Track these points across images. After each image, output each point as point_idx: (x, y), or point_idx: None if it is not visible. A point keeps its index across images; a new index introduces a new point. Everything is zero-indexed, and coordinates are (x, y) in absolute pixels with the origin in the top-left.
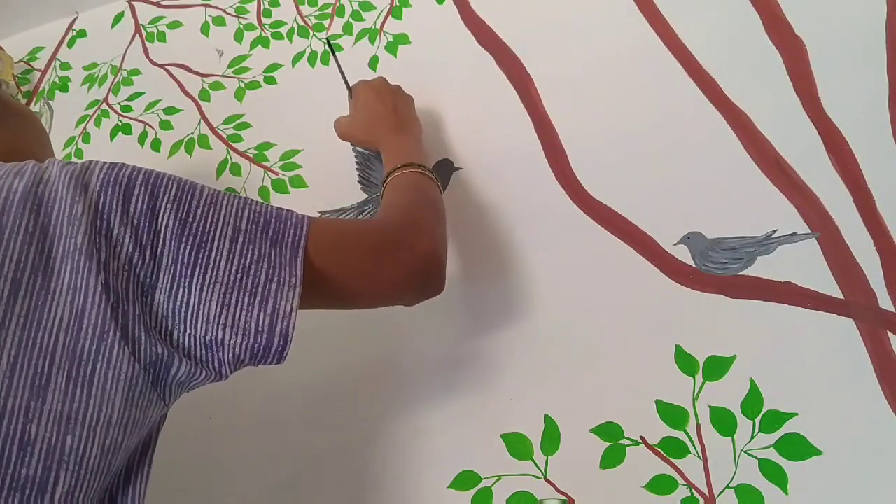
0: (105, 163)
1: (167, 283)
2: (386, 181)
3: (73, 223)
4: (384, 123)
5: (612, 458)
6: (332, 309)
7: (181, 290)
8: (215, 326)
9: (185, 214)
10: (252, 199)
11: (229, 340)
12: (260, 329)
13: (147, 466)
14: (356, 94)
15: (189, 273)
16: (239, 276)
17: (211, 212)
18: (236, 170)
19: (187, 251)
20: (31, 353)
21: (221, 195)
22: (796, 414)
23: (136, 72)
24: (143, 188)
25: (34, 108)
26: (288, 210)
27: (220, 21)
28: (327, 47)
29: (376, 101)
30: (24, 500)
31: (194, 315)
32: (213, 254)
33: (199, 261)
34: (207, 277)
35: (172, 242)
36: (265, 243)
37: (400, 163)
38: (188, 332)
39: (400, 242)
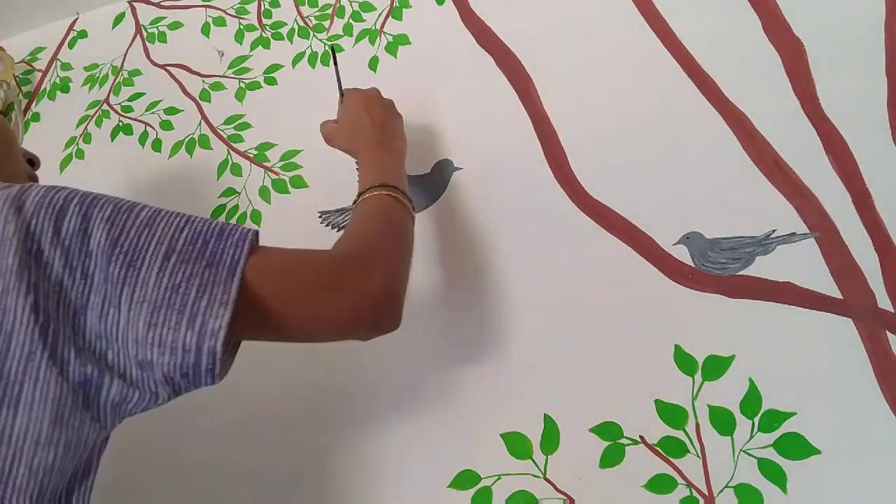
0: (43, 186)
1: (98, 303)
2: (357, 200)
3: (4, 244)
4: (367, 136)
5: (611, 457)
6: (278, 341)
7: (111, 309)
8: (144, 346)
9: (118, 234)
10: (198, 218)
11: (157, 359)
12: (187, 348)
13: (87, 491)
14: (346, 101)
15: (119, 292)
16: (168, 293)
17: (146, 231)
18: (237, 170)
19: (117, 270)
20: None
21: (163, 214)
22: (795, 413)
23: (136, 72)
24: (76, 209)
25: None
26: (233, 228)
27: (220, 22)
28: (329, 49)
29: (364, 112)
30: None
31: (124, 335)
32: (143, 272)
33: (129, 279)
34: (135, 296)
35: (102, 262)
36: (199, 262)
37: (375, 181)
38: (121, 351)
39: (345, 278)
